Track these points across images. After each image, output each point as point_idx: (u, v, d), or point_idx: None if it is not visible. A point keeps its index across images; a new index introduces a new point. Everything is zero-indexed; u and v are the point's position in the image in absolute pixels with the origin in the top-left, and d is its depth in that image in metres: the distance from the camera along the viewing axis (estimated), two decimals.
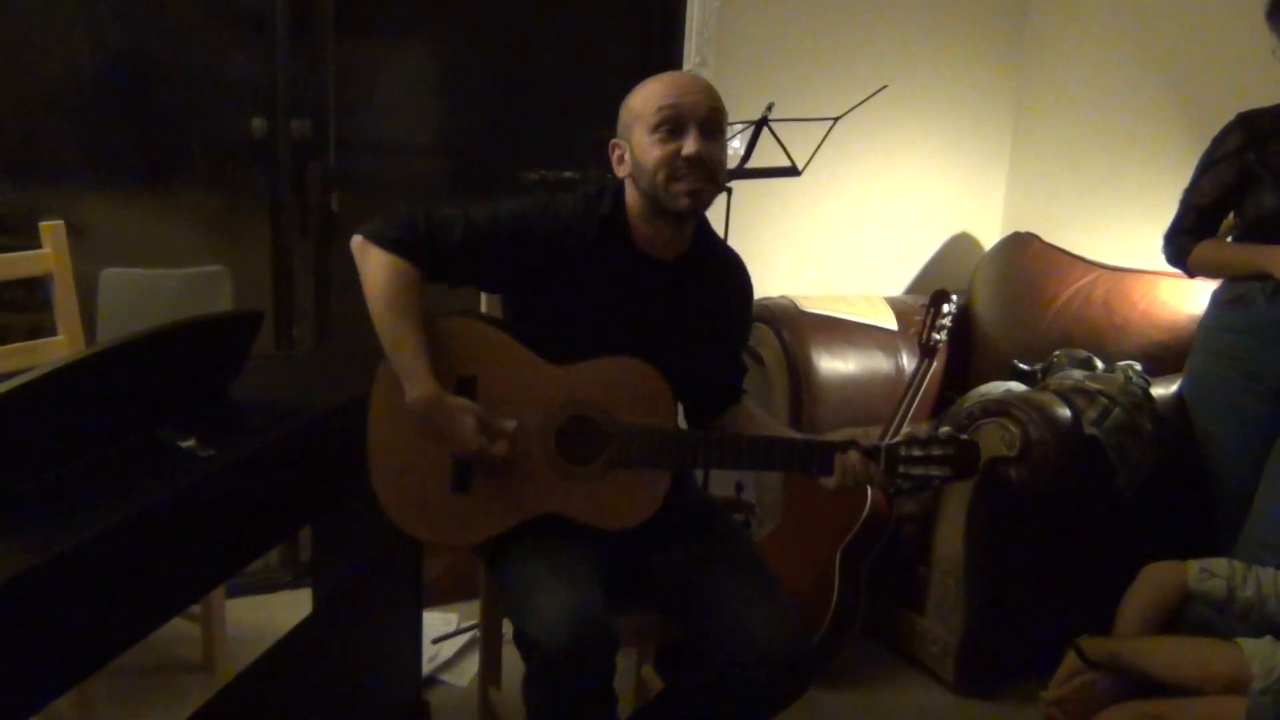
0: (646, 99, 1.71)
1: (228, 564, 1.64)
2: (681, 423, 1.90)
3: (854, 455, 1.68)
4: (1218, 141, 2.41)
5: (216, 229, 2.86)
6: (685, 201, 1.70)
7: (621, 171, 1.77)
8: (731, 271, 1.91)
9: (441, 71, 3.08)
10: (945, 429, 1.73)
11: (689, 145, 1.67)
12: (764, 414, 1.97)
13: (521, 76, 3.10)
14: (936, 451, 1.69)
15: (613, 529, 1.73)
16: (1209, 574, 2.04)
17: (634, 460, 1.72)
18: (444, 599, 2.78)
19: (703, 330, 1.85)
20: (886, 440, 1.72)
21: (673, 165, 1.68)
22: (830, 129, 2.72)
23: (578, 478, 1.73)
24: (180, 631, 2.42)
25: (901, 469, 1.69)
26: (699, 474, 2.77)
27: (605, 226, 1.77)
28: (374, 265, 1.71)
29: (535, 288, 1.78)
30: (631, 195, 1.77)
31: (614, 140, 1.78)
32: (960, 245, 3.57)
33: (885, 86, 2.74)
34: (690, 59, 3.01)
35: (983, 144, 3.55)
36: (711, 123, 1.70)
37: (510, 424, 1.69)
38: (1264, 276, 2.25)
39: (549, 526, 1.74)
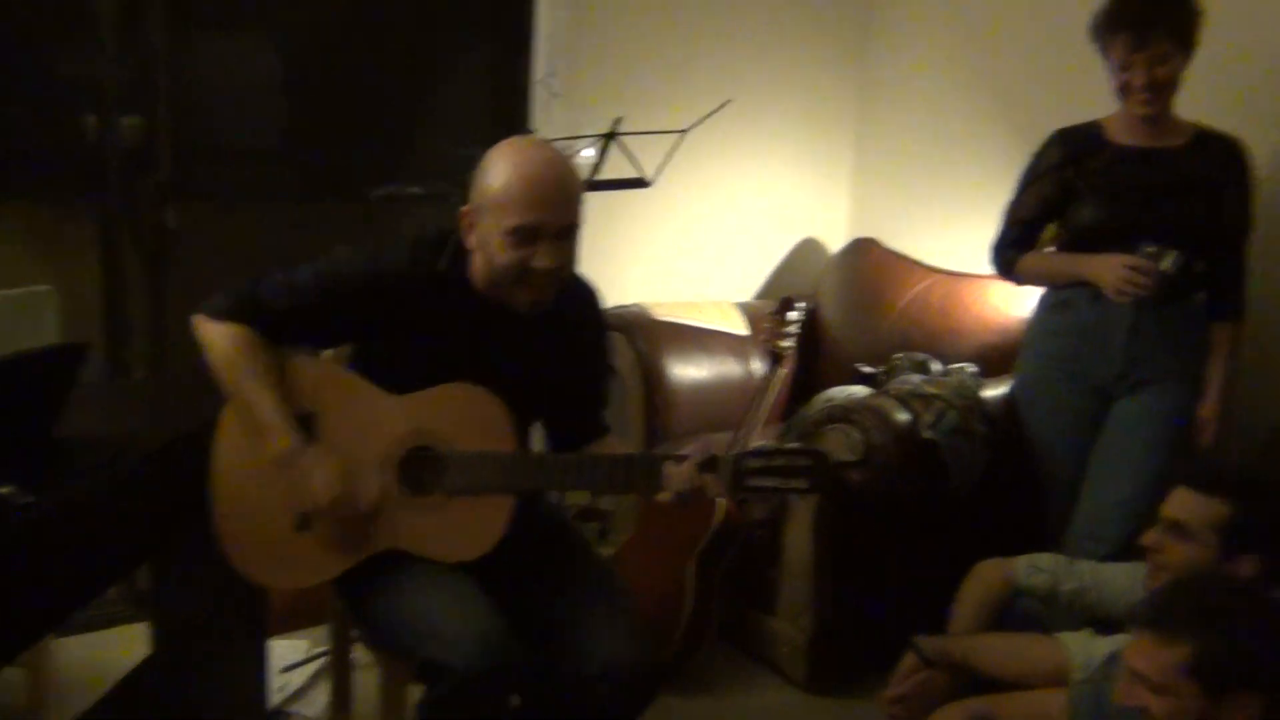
0: (504, 196, 1.65)
1: (56, 613, 1.57)
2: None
3: (686, 468, 1.67)
4: (1038, 157, 2.51)
5: (41, 245, 2.72)
6: (526, 308, 1.72)
7: (470, 243, 1.74)
8: (583, 307, 1.91)
9: (287, 72, 2.98)
10: (794, 443, 1.77)
11: (541, 259, 1.65)
12: (626, 450, 1.99)
13: (369, 84, 3.04)
14: (788, 463, 1.69)
15: (455, 561, 1.72)
16: (1035, 569, 2.15)
17: (472, 487, 1.72)
18: (292, 626, 2.71)
19: (555, 369, 1.85)
20: (737, 448, 1.74)
21: (521, 272, 1.67)
22: (679, 142, 2.76)
23: (420, 509, 1.72)
24: (2, 677, 2.28)
25: (751, 481, 1.69)
26: None
27: (444, 280, 1.76)
28: (211, 339, 1.72)
29: (372, 340, 1.78)
30: (478, 262, 1.75)
31: (466, 209, 1.72)
32: (808, 250, 3.67)
33: (730, 100, 2.80)
34: (541, 70, 3.00)
35: (827, 153, 3.65)
36: (566, 232, 1.69)
37: (367, 501, 1.69)
38: (1087, 283, 2.38)
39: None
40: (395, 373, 1.75)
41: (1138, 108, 2.32)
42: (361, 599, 1.76)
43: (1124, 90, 2.33)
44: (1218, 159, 2.36)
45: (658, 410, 3.05)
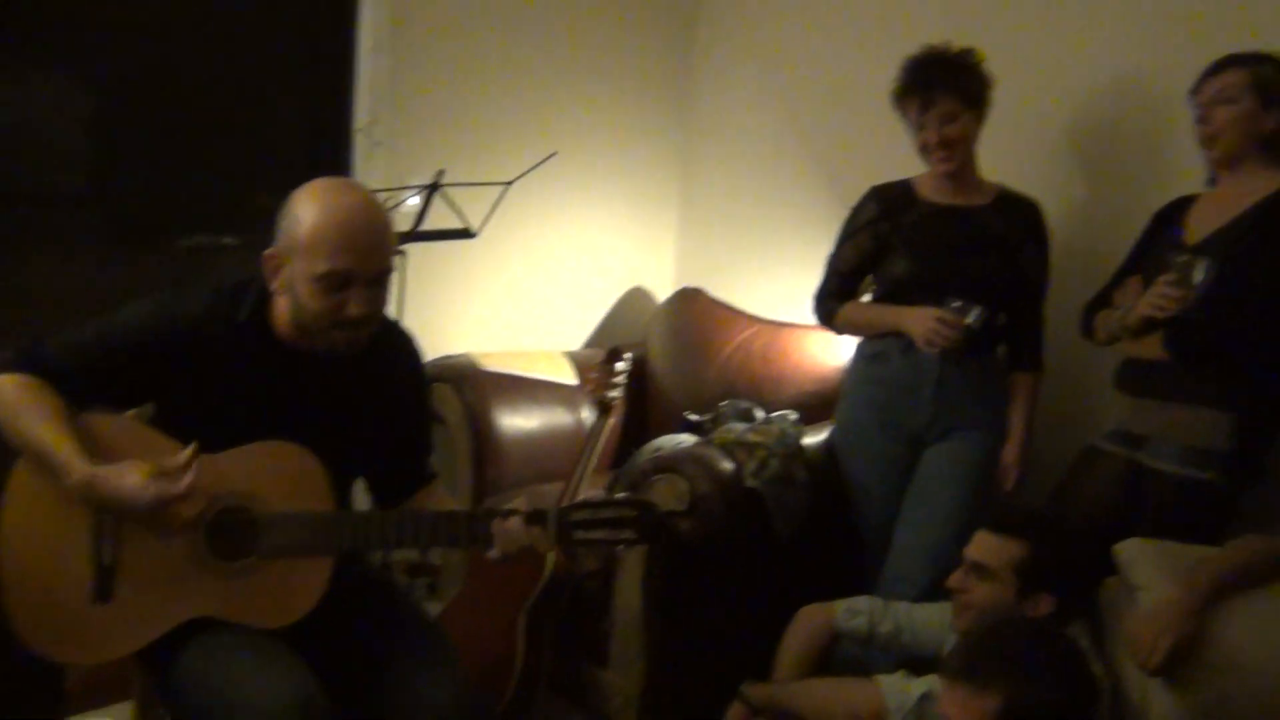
0: (316, 239, 1.60)
1: None
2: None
3: (514, 522, 1.67)
4: (855, 212, 2.64)
5: None
6: (342, 349, 1.68)
7: (275, 288, 1.68)
8: (398, 354, 1.88)
9: (93, 111, 2.82)
10: (622, 494, 1.78)
11: (354, 307, 1.62)
12: (454, 501, 1.96)
13: (182, 127, 2.91)
14: (615, 514, 1.71)
15: (270, 627, 1.65)
16: (853, 612, 2.23)
17: (290, 549, 1.66)
18: (91, 703, 2.53)
19: (371, 421, 1.81)
20: (567, 499, 1.74)
21: (334, 318, 1.63)
22: (503, 193, 2.76)
23: (232, 574, 1.65)
24: None
25: (579, 534, 1.70)
26: None
27: (245, 330, 1.70)
28: None
29: (172, 395, 1.70)
30: (282, 307, 1.70)
31: (270, 251, 1.66)
32: (636, 299, 3.71)
33: (555, 153, 2.82)
34: (362, 118, 2.95)
35: (653, 204, 3.72)
36: (379, 278, 1.66)
37: (183, 456, 1.58)
38: (900, 334, 2.49)
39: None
40: (200, 430, 1.67)
41: (937, 165, 2.47)
42: (168, 671, 1.66)
43: (923, 150, 2.47)
44: (1018, 218, 2.52)
45: (487, 462, 3.01)
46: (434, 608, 2.69)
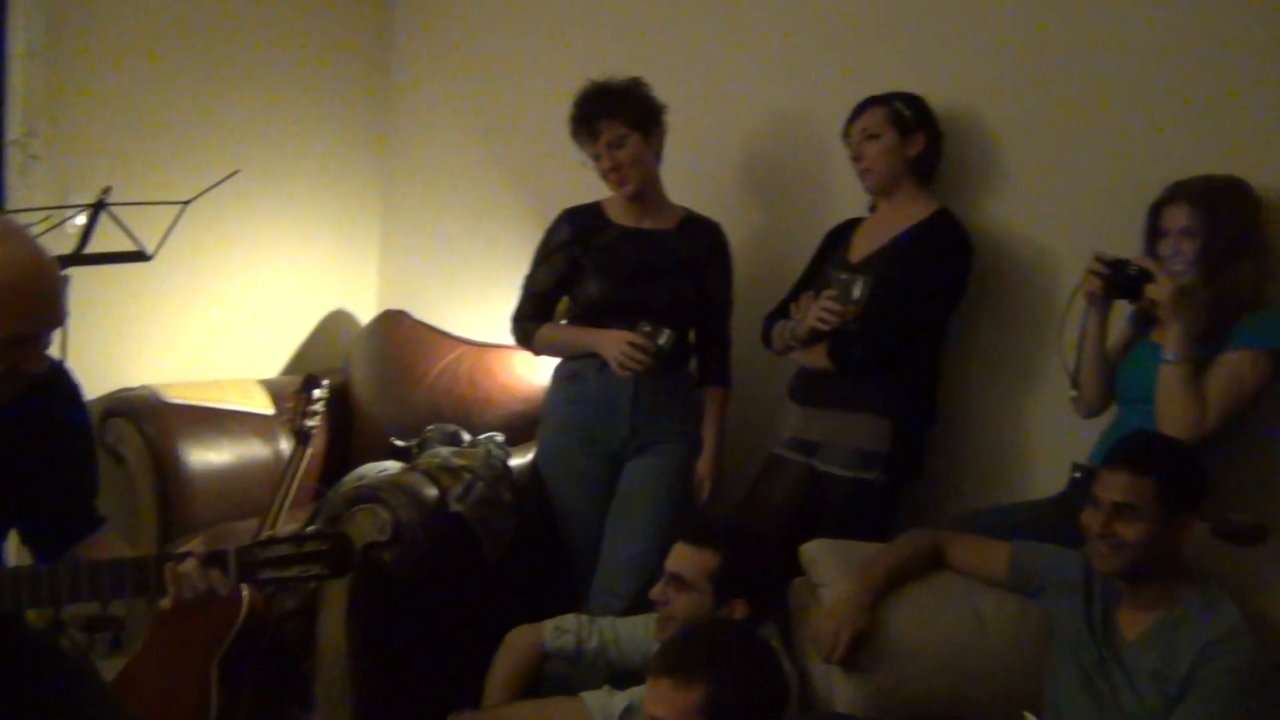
0: None
1: None
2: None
3: (189, 565, 1.54)
4: (549, 234, 2.68)
5: None
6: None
7: None
8: (53, 396, 1.69)
9: None
10: (313, 526, 1.70)
11: (33, 364, 1.50)
12: (125, 546, 1.79)
13: None
14: (302, 549, 1.63)
15: None
16: (560, 631, 2.24)
17: None
18: None
19: (24, 472, 1.63)
20: (265, 534, 1.64)
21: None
22: (181, 213, 2.59)
23: None
24: None
25: (268, 572, 1.60)
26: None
27: None
28: None
29: None
30: None
31: None
32: (337, 322, 3.59)
33: (238, 171, 2.70)
34: (15, 129, 2.68)
35: (354, 225, 3.61)
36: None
37: None
38: (596, 354, 2.53)
39: None
40: None
41: (616, 188, 2.56)
42: None
43: (604, 177, 2.56)
44: (702, 240, 2.64)
45: (173, 502, 2.82)
46: (117, 664, 2.48)
